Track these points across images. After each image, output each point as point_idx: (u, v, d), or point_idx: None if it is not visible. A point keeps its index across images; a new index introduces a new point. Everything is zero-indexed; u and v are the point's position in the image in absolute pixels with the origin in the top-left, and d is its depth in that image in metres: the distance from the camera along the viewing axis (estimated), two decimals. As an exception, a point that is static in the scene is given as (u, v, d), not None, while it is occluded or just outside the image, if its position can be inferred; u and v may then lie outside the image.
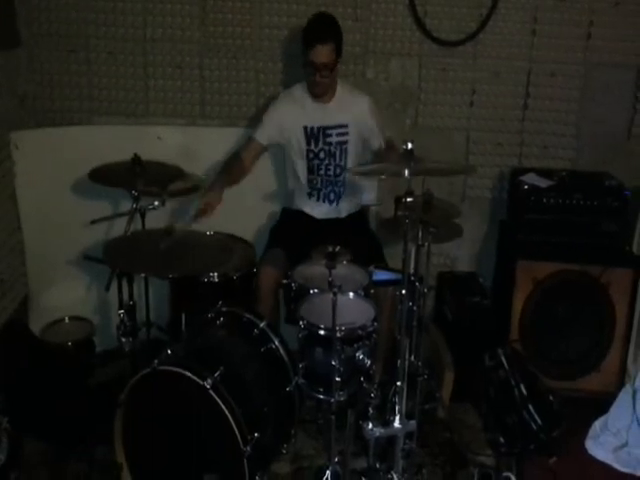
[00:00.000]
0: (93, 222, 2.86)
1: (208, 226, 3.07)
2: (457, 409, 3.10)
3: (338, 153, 3.16)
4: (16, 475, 2.56)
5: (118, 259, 2.54)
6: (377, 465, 2.56)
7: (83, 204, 3.26)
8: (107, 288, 2.66)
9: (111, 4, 3.34)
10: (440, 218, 2.63)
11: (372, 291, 2.66)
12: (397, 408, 2.31)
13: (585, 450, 2.93)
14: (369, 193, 3.35)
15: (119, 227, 2.79)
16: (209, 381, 2.27)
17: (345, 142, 3.15)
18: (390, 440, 2.41)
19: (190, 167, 3.14)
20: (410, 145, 2.25)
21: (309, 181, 3.21)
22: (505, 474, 2.69)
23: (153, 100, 3.47)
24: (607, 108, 3.50)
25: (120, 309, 2.74)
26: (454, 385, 3.02)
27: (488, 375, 2.95)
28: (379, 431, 2.31)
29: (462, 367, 3.04)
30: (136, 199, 2.76)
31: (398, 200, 2.59)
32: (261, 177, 3.45)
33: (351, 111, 3.13)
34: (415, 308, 2.51)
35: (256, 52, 3.43)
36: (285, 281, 2.72)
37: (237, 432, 2.25)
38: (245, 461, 2.26)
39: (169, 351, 2.45)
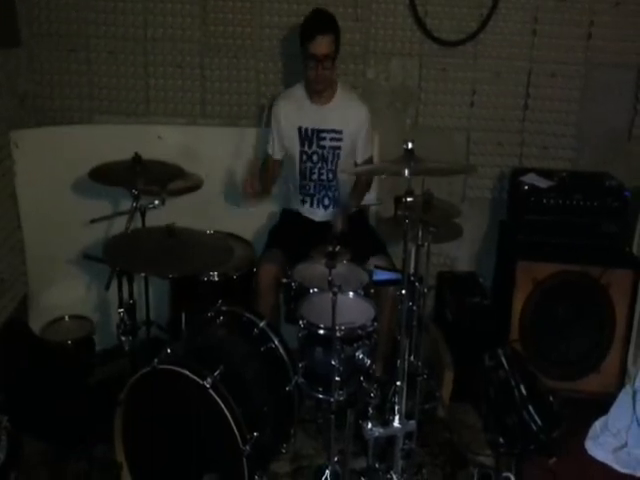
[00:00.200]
0: (93, 221, 2.87)
1: (208, 226, 3.08)
2: (457, 409, 3.09)
3: (330, 158, 3.15)
4: (16, 474, 2.55)
5: (118, 258, 2.54)
6: (377, 465, 2.55)
7: (83, 203, 3.27)
8: (107, 287, 2.66)
9: (111, 4, 3.34)
10: (440, 218, 2.63)
11: (372, 291, 2.66)
12: (397, 408, 2.30)
13: (585, 451, 2.93)
14: (369, 193, 3.35)
15: (119, 226, 2.80)
16: (209, 380, 2.27)
17: (338, 148, 3.14)
18: (390, 440, 2.40)
19: (190, 166, 3.14)
20: (410, 145, 2.25)
21: (301, 187, 3.20)
22: (505, 474, 2.68)
23: (153, 99, 3.48)
24: (607, 108, 3.50)
25: (120, 308, 2.74)
26: (454, 385, 3.02)
27: (488, 375, 2.95)
28: (379, 431, 2.30)
29: (462, 367, 3.04)
30: (136, 198, 2.76)
31: (398, 200, 2.59)
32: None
33: (348, 118, 3.12)
34: (415, 308, 2.51)
35: (257, 52, 3.43)
36: (285, 280, 2.72)
37: (236, 431, 2.25)
38: (244, 460, 2.26)
39: (169, 350, 2.44)
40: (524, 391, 2.84)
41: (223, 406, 2.25)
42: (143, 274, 2.95)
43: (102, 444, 2.61)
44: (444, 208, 2.77)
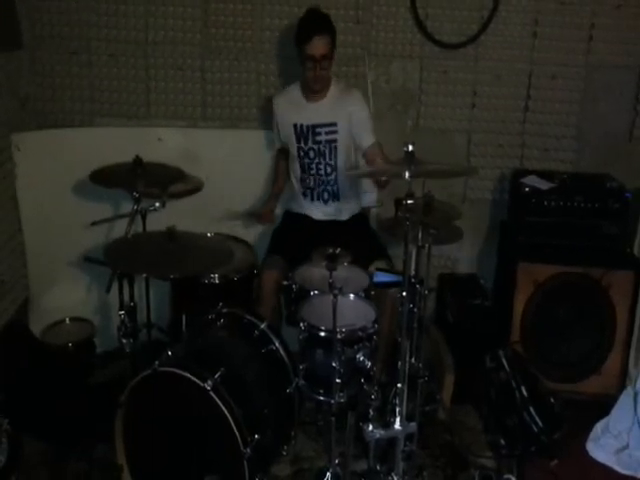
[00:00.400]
0: (94, 224, 2.86)
1: (209, 228, 3.08)
2: (458, 411, 3.09)
3: (328, 152, 3.16)
4: (16, 477, 2.56)
5: (119, 260, 2.54)
6: (377, 467, 2.55)
7: (84, 205, 3.27)
8: (108, 289, 2.66)
9: (113, 7, 3.35)
10: (441, 220, 2.63)
11: (373, 293, 2.66)
12: (397, 410, 2.30)
13: (586, 452, 2.92)
14: (369, 195, 3.35)
15: (120, 229, 2.80)
16: (209, 382, 2.27)
17: (334, 140, 3.15)
18: (390, 442, 2.40)
19: (191, 169, 3.14)
20: (411, 147, 2.25)
21: (302, 180, 3.23)
22: (506, 476, 2.68)
23: (154, 102, 3.48)
24: (608, 110, 3.50)
25: (121, 310, 2.74)
26: (455, 387, 3.02)
27: (489, 377, 2.94)
28: (379, 433, 2.30)
29: (463, 369, 3.04)
30: (137, 201, 2.76)
31: (398, 202, 2.59)
32: (263, 179, 3.46)
33: (341, 108, 3.13)
34: (416, 310, 2.51)
35: (257, 54, 3.43)
36: (286, 283, 2.73)
37: (237, 433, 2.25)
38: (245, 463, 2.26)
39: (169, 352, 2.45)
40: (525, 393, 2.84)
41: (224, 408, 2.25)
42: (144, 276, 2.95)
43: (102, 446, 2.61)
44: (445, 210, 2.77)
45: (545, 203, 3.25)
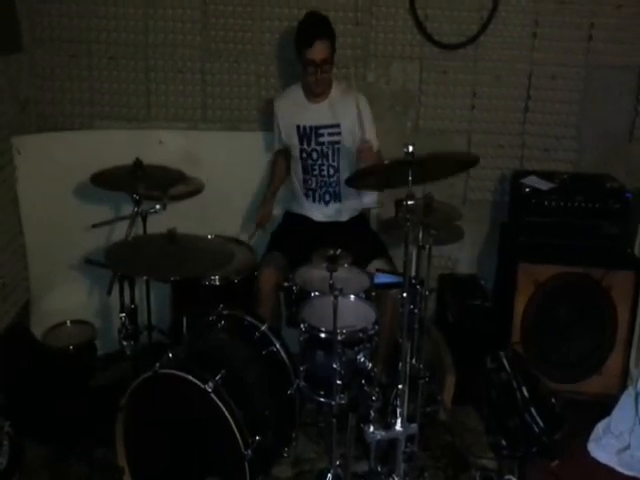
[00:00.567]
0: (95, 226, 2.87)
1: (209, 230, 3.09)
2: (459, 412, 3.09)
3: (331, 153, 3.16)
4: (18, 479, 2.56)
5: (120, 263, 2.54)
6: (378, 468, 2.55)
7: (85, 208, 3.28)
8: (109, 292, 2.67)
9: (112, 9, 3.35)
10: (441, 220, 2.63)
11: (373, 294, 2.66)
12: (398, 411, 2.30)
13: (587, 453, 2.92)
14: (369, 195, 3.35)
15: (120, 231, 2.80)
16: (210, 384, 2.27)
17: (337, 142, 3.15)
18: (391, 443, 2.40)
19: (191, 171, 3.14)
20: (411, 148, 2.25)
21: (304, 181, 3.23)
22: (507, 477, 2.68)
23: (154, 104, 3.49)
24: (608, 110, 3.50)
25: (121, 312, 2.74)
26: (456, 388, 3.02)
27: (490, 378, 2.94)
28: (380, 434, 2.30)
29: (464, 370, 3.04)
30: (137, 203, 2.77)
31: (399, 203, 2.59)
32: (263, 181, 3.46)
33: (344, 110, 3.13)
34: (416, 311, 2.51)
35: (257, 56, 3.44)
36: (286, 284, 2.72)
37: (238, 435, 2.25)
38: (246, 464, 2.26)
39: (170, 354, 2.45)
40: (526, 393, 2.83)
41: (225, 410, 2.25)
42: (145, 278, 2.95)
43: (103, 448, 2.61)
44: (445, 210, 2.77)
45: (545, 203, 3.25)
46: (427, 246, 2.50)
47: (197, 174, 3.20)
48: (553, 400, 2.87)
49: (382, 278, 2.71)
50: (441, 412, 2.96)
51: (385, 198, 3.30)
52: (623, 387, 3.14)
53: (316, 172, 3.20)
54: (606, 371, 3.22)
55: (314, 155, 3.18)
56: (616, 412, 2.94)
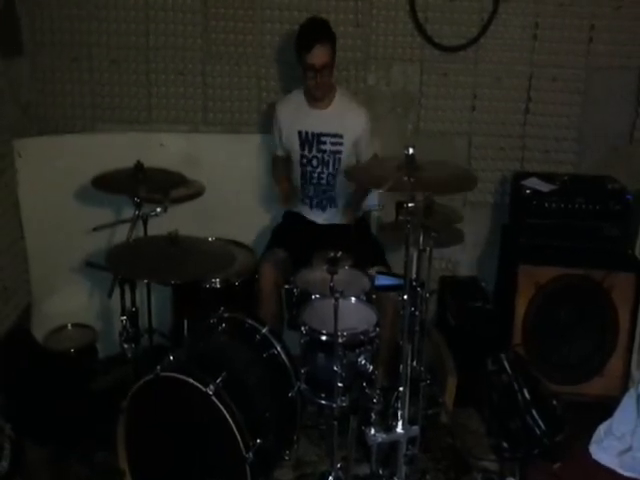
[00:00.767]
0: (95, 229, 2.88)
1: (210, 232, 3.09)
2: (460, 414, 3.09)
3: (331, 162, 3.16)
4: (19, 482, 2.57)
5: (120, 266, 2.54)
6: (380, 471, 2.55)
7: (86, 211, 3.28)
8: (109, 295, 2.67)
9: (113, 12, 3.36)
10: (441, 223, 2.63)
11: (374, 296, 2.66)
12: (400, 413, 2.31)
13: (589, 455, 2.92)
14: (370, 198, 3.35)
15: (121, 234, 2.80)
16: (211, 387, 2.27)
17: (339, 152, 3.15)
18: (393, 446, 2.40)
19: (192, 174, 3.15)
20: (411, 150, 2.25)
21: (302, 188, 3.23)
22: (508, 479, 2.68)
23: (155, 107, 3.49)
24: (609, 112, 3.50)
25: (122, 315, 2.75)
26: (457, 390, 3.01)
27: (491, 380, 2.93)
28: (382, 437, 2.30)
29: (465, 372, 3.03)
30: (138, 206, 2.78)
31: (399, 205, 2.58)
32: (264, 180, 3.46)
33: (348, 122, 3.13)
34: (417, 313, 2.50)
35: (258, 59, 3.44)
36: (287, 286, 2.72)
37: (239, 438, 2.25)
38: (247, 467, 2.26)
39: (171, 357, 2.45)
40: (527, 395, 2.83)
41: (226, 413, 2.25)
42: (145, 281, 2.96)
43: (105, 451, 2.62)
44: (445, 213, 2.77)
45: (546, 205, 3.25)
46: (428, 248, 2.50)
47: (198, 177, 3.20)
48: (554, 402, 2.86)
49: (383, 280, 2.71)
50: (442, 414, 2.96)
51: (386, 200, 3.31)
52: (624, 389, 3.13)
53: (314, 180, 3.20)
54: (607, 373, 3.22)
55: (314, 162, 3.18)
56: (618, 414, 2.94)
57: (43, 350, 3.05)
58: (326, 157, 3.15)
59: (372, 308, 2.56)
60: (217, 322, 2.67)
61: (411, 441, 2.43)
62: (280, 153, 3.31)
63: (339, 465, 2.52)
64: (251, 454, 2.26)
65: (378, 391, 2.46)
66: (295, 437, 2.65)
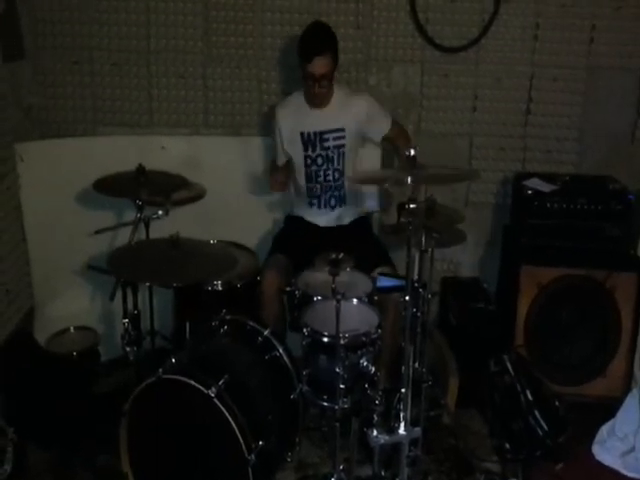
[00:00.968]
0: (97, 232, 2.88)
1: (212, 235, 3.09)
2: (462, 415, 3.08)
3: (336, 157, 3.16)
4: (22, 485, 2.57)
5: (122, 269, 2.55)
6: (382, 473, 2.55)
7: (87, 214, 3.28)
8: (111, 298, 2.68)
9: (114, 16, 3.37)
10: (443, 224, 2.63)
11: (376, 298, 2.66)
12: (402, 415, 2.30)
13: (592, 455, 2.91)
14: (372, 199, 3.36)
15: (123, 237, 2.81)
16: (213, 389, 2.27)
17: (342, 146, 3.15)
18: (395, 447, 2.39)
19: (194, 176, 3.15)
20: (413, 151, 2.25)
21: (308, 189, 3.22)
22: (511, 480, 2.68)
23: (157, 110, 3.50)
24: (610, 112, 3.50)
25: (124, 318, 2.75)
26: (459, 391, 3.01)
27: (493, 381, 2.93)
28: (384, 438, 2.30)
29: (467, 373, 3.03)
30: (140, 209, 2.78)
31: (401, 206, 2.59)
32: (265, 182, 3.46)
33: (349, 113, 3.14)
34: (419, 314, 2.50)
35: (259, 61, 3.44)
36: (289, 288, 2.72)
37: (241, 440, 2.25)
38: (249, 469, 2.26)
39: (173, 360, 2.45)
40: (530, 396, 2.83)
41: (228, 415, 2.25)
42: (147, 284, 2.96)
43: (107, 454, 2.62)
44: (447, 213, 2.76)
45: (548, 205, 3.24)
46: (429, 249, 2.50)
47: (199, 179, 3.20)
48: (557, 403, 2.86)
49: (384, 282, 2.71)
50: (445, 415, 2.95)
51: (388, 203, 3.32)
52: (627, 389, 3.13)
53: (320, 178, 3.20)
54: (610, 373, 3.21)
55: (319, 161, 3.18)
56: (620, 414, 2.94)
57: (45, 353, 3.05)
58: (330, 153, 3.16)
59: (374, 310, 2.56)
60: (219, 324, 2.68)
61: (413, 442, 2.43)
62: (280, 163, 3.28)
63: (341, 467, 2.52)
64: (253, 456, 2.26)
65: (380, 392, 2.45)
66: (297, 439, 2.65)
